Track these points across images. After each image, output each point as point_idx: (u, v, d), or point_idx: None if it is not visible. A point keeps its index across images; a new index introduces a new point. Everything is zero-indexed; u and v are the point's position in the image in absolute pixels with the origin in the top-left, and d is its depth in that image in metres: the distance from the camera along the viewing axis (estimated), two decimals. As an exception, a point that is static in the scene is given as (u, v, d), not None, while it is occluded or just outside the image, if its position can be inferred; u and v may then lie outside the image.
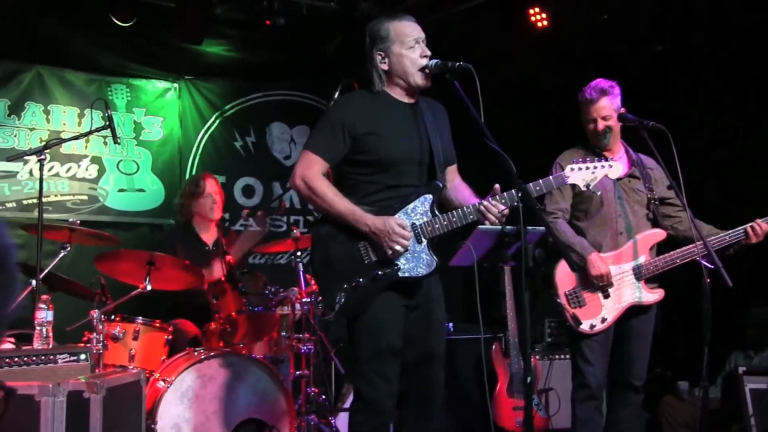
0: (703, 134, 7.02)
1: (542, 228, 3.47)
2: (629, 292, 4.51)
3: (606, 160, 3.75)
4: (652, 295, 4.54)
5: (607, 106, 4.58)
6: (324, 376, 6.06)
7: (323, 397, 5.70)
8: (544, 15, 7.24)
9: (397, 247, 3.49)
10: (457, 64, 3.50)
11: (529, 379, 3.14)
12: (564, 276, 4.55)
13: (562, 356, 6.33)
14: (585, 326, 4.50)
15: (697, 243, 4.30)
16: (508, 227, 3.50)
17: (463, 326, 6.44)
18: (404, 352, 3.62)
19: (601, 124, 4.58)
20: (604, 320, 4.50)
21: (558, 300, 4.55)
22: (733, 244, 4.48)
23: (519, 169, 3.25)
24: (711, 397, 5.37)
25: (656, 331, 4.66)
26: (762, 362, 6.05)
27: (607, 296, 4.51)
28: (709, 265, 4.10)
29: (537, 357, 6.28)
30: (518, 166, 3.27)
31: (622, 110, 4.59)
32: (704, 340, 4.02)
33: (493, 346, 6.10)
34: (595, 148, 4.61)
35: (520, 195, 3.31)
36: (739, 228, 4.47)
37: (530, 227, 3.23)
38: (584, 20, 7.45)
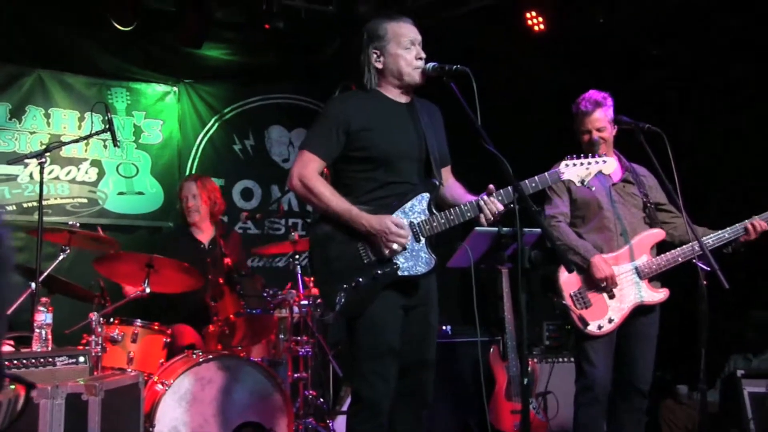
0: (698, 138, 7.03)
1: (539, 230, 3.47)
2: (633, 292, 4.52)
3: (599, 156, 3.77)
4: (657, 294, 4.55)
5: (601, 117, 4.62)
6: (322, 379, 6.07)
7: (321, 399, 5.71)
8: (540, 19, 7.28)
9: (395, 246, 3.50)
10: (455, 67, 3.52)
11: (526, 381, 3.15)
12: (568, 277, 4.56)
13: (561, 359, 6.32)
14: (593, 327, 4.51)
15: (696, 242, 4.31)
16: (504, 229, 3.51)
17: (460, 329, 6.45)
18: (400, 355, 3.63)
19: (595, 135, 4.62)
20: (611, 321, 4.51)
21: (563, 302, 4.55)
22: (731, 242, 4.51)
23: (515, 172, 3.27)
24: (710, 400, 5.37)
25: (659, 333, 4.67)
26: (761, 365, 6.04)
27: (612, 297, 4.52)
28: (705, 268, 4.11)
29: (535, 360, 6.27)
30: (515, 168, 3.29)
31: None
32: (701, 342, 4.02)
33: (491, 349, 6.10)
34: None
35: (516, 195, 3.32)
36: (738, 225, 4.50)
37: (527, 229, 3.23)
38: (581, 24, 7.47)
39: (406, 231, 3.53)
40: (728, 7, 6.66)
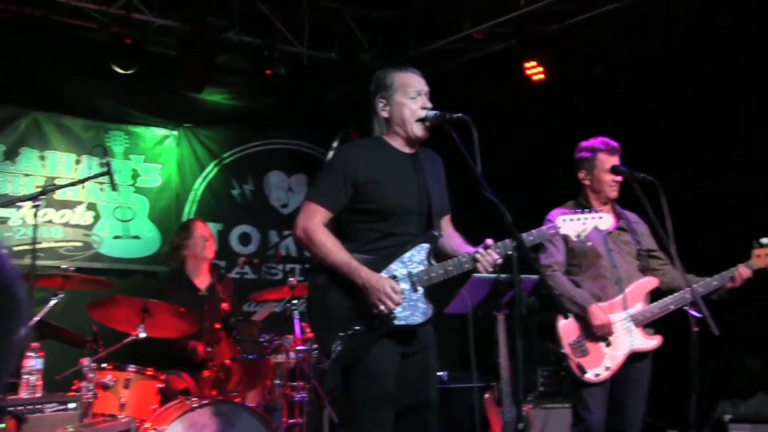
0: (692, 185, 7.07)
1: (536, 276, 3.47)
2: (628, 339, 4.55)
3: (596, 212, 3.80)
4: (650, 341, 4.58)
5: (619, 161, 4.69)
6: (318, 425, 6.00)
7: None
8: (540, 69, 7.36)
9: (382, 308, 3.49)
10: (455, 115, 3.55)
11: (521, 426, 3.11)
12: (567, 326, 4.58)
13: (555, 405, 6.31)
14: (590, 375, 4.52)
15: (687, 290, 4.38)
16: (502, 275, 3.50)
17: (457, 374, 6.42)
18: (399, 399, 3.60)
19: (617, 176, 4.66)
20: (607, 368, 4.54)
21: (562, 350, 4.58)
22: (718, 289, 4.57)
23: (515, 219, 3.27)
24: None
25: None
26: (748, 410, 6.05)
27: (608, 345, 4.54)
28: (696, 314, 4.13)
29: (530, 406, 6.24)
30: (514, 215, 3.29)
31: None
32: (692, 388, 4.02)
33: (486, 395, 6.06)
34: (584, 204, 4.66)
35: (515, 244, 3.30)
36: (725, 273, 4.57)
37: (524, 276, 3.22)
38: (579, 74, 7.56)
39: (398, 297, 3.51)
40: (721, 57, 6.76)
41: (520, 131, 8.13)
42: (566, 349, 4.56)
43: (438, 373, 6.24)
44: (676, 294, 4.54)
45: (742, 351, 6.47)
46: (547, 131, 7.90)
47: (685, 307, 4.35)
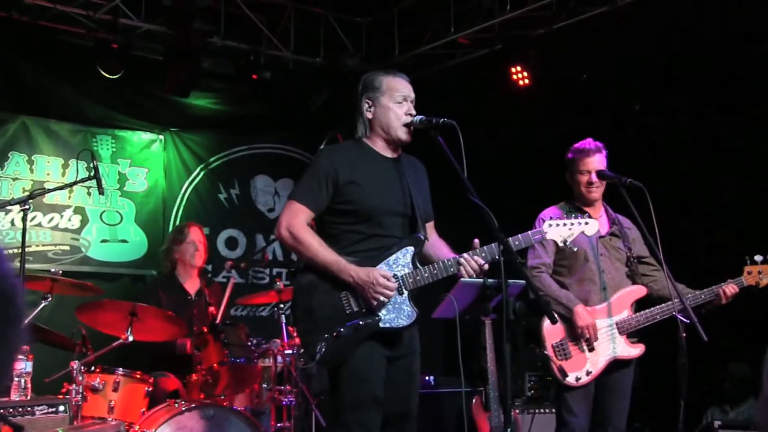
0: (679, 188, 7.13)
1: (523, 281, 3.51)
2: (611, 346, 4.59)
3: (584, 217, 3.84)
4: (633, 350, 4.62)
5: (600, 161, 4.69)
6: (305, 429, 6.01)
7: (303, 450, 5.66)
8: (525, 74, 7.40)
9: (382, 298, 3.53)
10: (441, 120, 3.58)
11: (509, 430, 3.15)
12: (552, 329, 4.61)
13: (543, 410, 6.34)
14: (571, 378, 4.56)
15: (675, 300, 4.40)
16: (489, 280, 3.54)
17: (444, 379, 6.44)
18: (386, 404, 3.63)
19: (594, 176, 4.67)
20: (588, 373, 4.57)
21: (545, 352, 4.60)
22: (706, 303, 4.61)
23: (501, 224, 3.31)
24: (689, 452, 5.39)
25: (635, 385, 4.72)
26: (738, 417, 6.08)
27: (591, 349, 4.57)
28: (685, 320, 4.16)
29: (517, 410, 6.27)
30: (500, 220, 3.33)
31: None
32: (680, 394, 4.06)
33: (474, 400, 6.09)
34: (578, 205, 4.70)
35: (501, 249, 3.35)
36: (715, 287, 4.60)
37: (512, 280, 3.26)
38: (564, 79, 7.61)
39: (392, 283, 3.55)
40: (707, 61, 6.82)
41: (506, 136, 8.17)
42: (549, 351, 4.59)
43: (426, 378, 6.33)
44: (663, 305, 4.57)
45: (732, 357, 6.51)
46: (533, 136, 7.95)
47: (674, 313, 4.38)
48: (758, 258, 4.57)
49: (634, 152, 7.09)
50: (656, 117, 7.46)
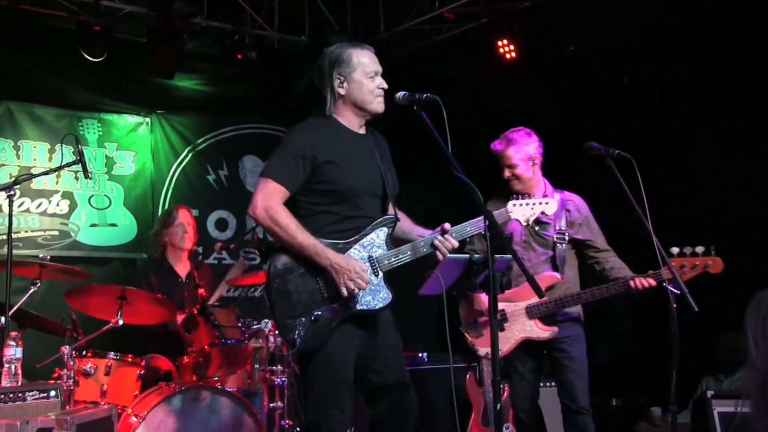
0: (665, 161, 7.13)
1: (510, 256, 3.52)
2: (521, 328, 4.76)
3: (544, 196, 3.92)
4: (543, 333, 4.75)
5: (512, 155, 4.86)
6: (298, 409, 6.03)
7: (297, 429, 5.67)
8: (512, 47, 7.37)
9: (353, 287, 3.52)
10: (425, 95, 3.56)
11: (499, 406, 3.16)
12: (466, 308, 4.87)
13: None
14: (482, 353, 4.87)
15: (589, 289, 4.62)
16: (476, 256, 3.54)
17: (437, 356, 6.45)
18: (380, 376, 3.69)
19: (507, 173, 4.86)
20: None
21: (461, 329, 4.84)
22: (621, 292, 4.66)
23: (486, 198, 3.30)
24: (682, 422, 5.41)
25: (591, 362, 4.88)
26: (732, 386, 6.11)
27: (501, 330, 4.72)
28: (675, 291, 4.15)
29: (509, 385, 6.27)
30: (485, 195, 3.32)
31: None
32: (672, 365, 4.06)
33: (468, 375, 6.11)
34: (512, 194, 4.73)
35: (487, 223, 3.34)
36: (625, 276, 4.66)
37: (498, 255, 3.26)
38: (551, 52, 7.58)
39: (366, 277, 3.54)
40: (696, 35, 6.80)
41: (493, 110, 8.14)
42: (463, 328, 4.85)
43: (419, 355, 6.35)
44: (575, 294, 4.68)
45: (724, 326, 6.52)
46: (520, 109, 7.92)
47: (664, 284, 4.31)
48: (674, 250, 4.45)
49: (622, 124, 7.10)
50: (644, 89, 7.45)
